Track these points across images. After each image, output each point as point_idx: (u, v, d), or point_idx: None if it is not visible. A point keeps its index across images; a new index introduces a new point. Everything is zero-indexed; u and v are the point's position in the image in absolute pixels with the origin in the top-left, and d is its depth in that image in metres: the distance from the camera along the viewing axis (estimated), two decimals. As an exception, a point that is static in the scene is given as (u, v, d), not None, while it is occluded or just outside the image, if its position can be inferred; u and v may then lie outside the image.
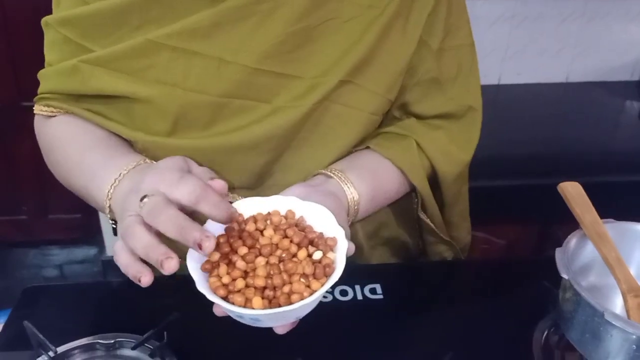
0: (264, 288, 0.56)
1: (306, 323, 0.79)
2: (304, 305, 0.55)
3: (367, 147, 0.82)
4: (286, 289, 0.56)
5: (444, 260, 0.96)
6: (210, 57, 0.73)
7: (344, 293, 0.84)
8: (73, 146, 0.79)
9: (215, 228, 0.61)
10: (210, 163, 0.78)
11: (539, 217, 1.60)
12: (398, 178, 0.82)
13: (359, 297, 0.84)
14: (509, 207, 1.52)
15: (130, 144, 0.80)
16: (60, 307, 0.83)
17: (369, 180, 0.77)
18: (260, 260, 0.58)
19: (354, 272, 0.90)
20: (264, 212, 0.63)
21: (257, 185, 0.82)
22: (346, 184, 0.74)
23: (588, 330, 0.65)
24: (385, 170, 0.81)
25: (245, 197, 0.81)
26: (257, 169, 0.80)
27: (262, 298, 0.56)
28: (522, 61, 1.89)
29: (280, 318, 0.57)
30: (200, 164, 0.72)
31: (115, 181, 0.69)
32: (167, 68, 0.73)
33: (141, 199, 0.57)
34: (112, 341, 0.73)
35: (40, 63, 0.82)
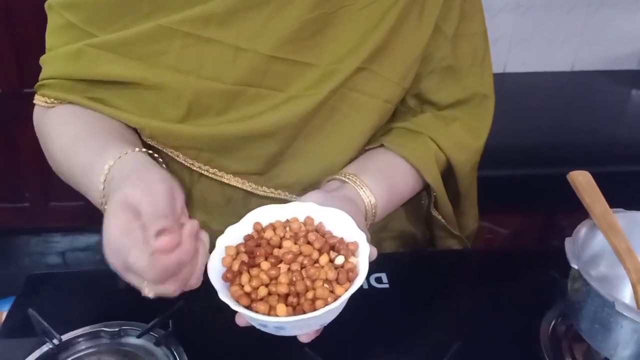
0: (287, 295, 0.56)
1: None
2: (328, 311, 0.54)
3: (381, 146, 0.81)
4: (310, 295, 0.55)
5: (451, 250, 0.95)
6: (226, 44, 0.71)
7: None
8: (67, 136, 0.76)
9: (234, 237, 0.60)
10: (221, 150, 0.77)
11: (543, 207, 1.59)
12: (412, 176, 0.82)
13: (365, 286, 0.83)
14: (513, 197, 1.51)
15: (133, 131, 0.79)
16: (64, 295, 0.82)
17: (384, 182, 0.76)
18: (282, 268, 0.57)
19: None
20: (283, 220, 0.62)
21: (267, 171, 0.81)
22: (362, 188, 0.73)
23: (597, 320, 0.64)
24: (400, 170, 0.80)
25: (254, 183, 0.80)
26: (268, 156, 0.79)
27: (286, 305, 0.55)
28: (527, 50, 1.87)
29: (304, 325, 0.56)
30: (213, 149, 0.72)
31: (107, 168, 0.65)
32: (180, 55, 0.72)
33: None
34: (117, 329, 0.73)
35: (42, 50, 0.79)
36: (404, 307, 0.81)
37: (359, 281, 0.56)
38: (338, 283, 0.56)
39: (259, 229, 0.61)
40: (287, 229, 0.61)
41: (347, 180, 0.74)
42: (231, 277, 0.57)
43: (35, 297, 0.80)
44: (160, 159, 0.74)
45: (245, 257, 0.58)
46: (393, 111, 0.83)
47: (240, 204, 0.83)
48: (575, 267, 0.65)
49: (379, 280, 0.84)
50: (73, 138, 0.75)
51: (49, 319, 0.71)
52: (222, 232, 0.73)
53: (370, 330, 0.76)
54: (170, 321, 0.71)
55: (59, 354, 0.71)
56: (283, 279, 0.56)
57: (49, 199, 2.50)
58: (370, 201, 0.73)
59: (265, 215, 0.63)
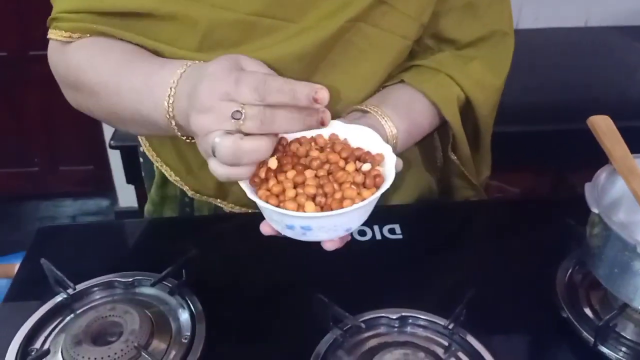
0: (315, 196, 0.56)
1: (325, 262, 0.79)
2: (356, 209, 0.54)
3: (400, 81, 0.80)
4: (338, 195, 0.56)
5: (465, 201, 0.94)
6: None
7: (362, 233, 0.83)
8: (111, 62, 0.71)
9: None
10: None
11: (554, 165, 1.57)
12: (431, 112, 0.80)
13: (378, 237, 0.83)
14: (524, 155, 1.50)
15: None
16: (76, 248, 0.82)
17: (404, 115, 0.75)
18: (310, 173, 0.58)
19: (373, 212, 0.90)
20: (308, 137, 0.62)
21: None
22: (384, 119, 0.72)
23: (617, 265, 0.63)
24: (419, 104, 0.79)
25: None
26: None
27: (315, 204, 0.56)
28: (540, 6, 1.83)
29: (331, 227, 0.57)
30: None
31: (173, 84, 0.62)
32: None
33: (234, 117, 0.54)
34: (131, 279, 0.73)
35: (46, 11, 0.77)
36: (418, 258, 0.81)
37: (386, 185, 0.57)
38: (365, 187, 0.57)
39: (284, 143, 0.61)
40: (313, 143, 0.61)
41: (369, 110, 0.73)
42: (259, 182, 0.58)
43: (47, 249, 0.80)
44: None
45: (273, 164, 0.58)
46: (410, 50, 0.81)
47: None
48: (596, 211, 0.63)
49: (392, 231, 0.83)
50: (118, 62, 0.71)
51: (62, 270, 0.70)
52: None
53: (384, 280, 0.76)
54: (183, 270, 0.71)
55: (74, 304, 0.71)
56: (311, 181, 0.57)
57: (58, 163, 2.50)
58: (392, 132, 0.72)
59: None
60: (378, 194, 0.56)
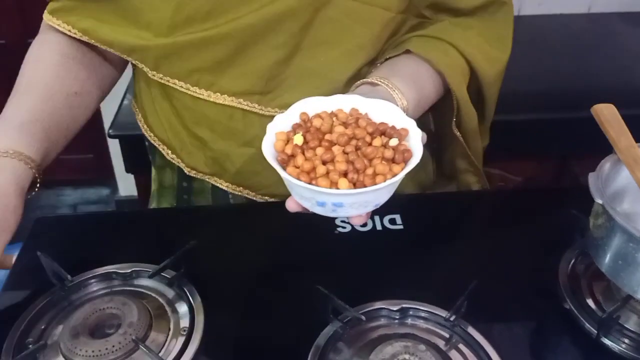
0: (347, 173, 0.56)
1: (325, 253, 0.79)
2: (390, 185, 0.55)
3: (406, 52, 0.79)
4: (369, 171, 0.56)
5: (466, 191, 0.93)
6: None
7: (363, 223, 0.82)
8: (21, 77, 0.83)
9: (283, 125, 0.61)
10: (215, 62, 0.77)
11: (557, 153, 1.56)
12: (437, 81, 0.80)
13: (379, 227, 0.82)
14: (526, 143, 1.49)
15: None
16: (73, 239, 0.81)
17: (413, 85, 0.74)
18: (338, 149, 0.57)
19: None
20: (328, 111, 0.62)
21: (269, 90, 0.79)
22: (394, 91, 0.71)
23: (621, 256, 0.62)
24: (426, 74, 0.78)
25: (257, 104, 0.80)
26: (266, 70, 0.77)
27: (350, 182, 0.55)
28: (543, -9, 1.81)
29: (362, 203, 0.57)
30: (207, 65, 0.74)
31: None
32: None
33: None
34: (129, 271, 0.72)
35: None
36: (418, 248, 0.80)
37: (416, 160, 0.57)
38: (394, 162, 0.57)
39: (305, 119, 0.61)
40: (335, 119, 0.61)
41: (379, 82, 0.71)
42: (286, 159, 0.57)
43: (44, 240, 0.79)
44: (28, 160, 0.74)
45: (299, 140, 0.58)
46: (401, 22, 0.81)
47: (241, 123, 0.82)
48: (600, 201, 0.62)
49: (392, 221, 0.82)
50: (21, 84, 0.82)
51: (59, 262, 0.70)
52: (224, 151, 0.79)
53: (384, 272, 0.75)
54: (181, 262, 0.70)
55: (71, 295, 0.70)
56: (340, 158, 0.56)
57: (58, 151, 2.49)
58: (402, 104, 0.71)
59: (311, 106, 0.63)
60: (408, 168, 0.56)
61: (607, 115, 0.69)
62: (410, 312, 0.68)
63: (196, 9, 0.73)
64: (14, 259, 0.76)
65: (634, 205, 0.70)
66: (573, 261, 0.74)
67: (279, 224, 0.83)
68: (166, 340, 0.65)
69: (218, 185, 0.88)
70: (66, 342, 0.62)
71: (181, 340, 0.65)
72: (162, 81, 0.80)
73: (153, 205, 0.99)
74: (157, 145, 0.89)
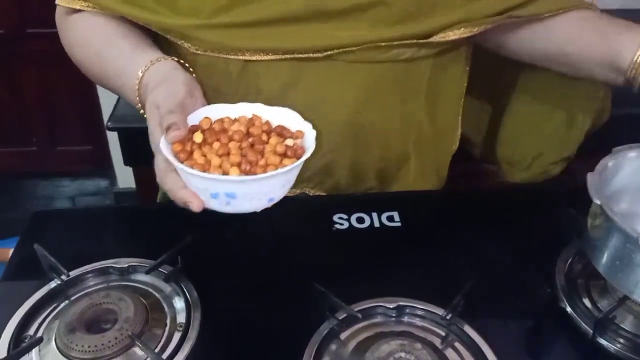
0: (240, 164, 0.58)
1: (322, 250, 0.78)
2: (279, 174, 0.57)
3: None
4: (262, 162, 0.58)
5: (464, 189, 0.93)
6: None
7: (360, 220, 0.82)
8: (96, 43, 0.81)
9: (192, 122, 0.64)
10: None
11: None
12: None
13: (376, 224, 0.82)
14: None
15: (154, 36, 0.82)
16: (71, 233, 0.81)
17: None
18: (234, 145, 0.60)
19: (371, 199, 0.89)
20: (232, 117, 0.65)
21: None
22: None
23: (618, 257, 0.62)
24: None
25: None
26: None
27: (240, 171, 0.58)
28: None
29: (255, 194, 0.59)
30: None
31: (141, 74, 0.72)
32: None
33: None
34: (126, 265, 0.72)
35: None
36: (416, 246, 0.80)
37: (306, 155, 0.60)
38: (287, 157, 0.60)
39: (207, 122, 0.63)
40: (236, 122, 0.64)
41: None
42: (185, 156, 0.60)
43: (41, 235, 0.79)
44: (187, 64, 0.76)
45: (198, 138, 0.61)
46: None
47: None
48: (598, 202, 0.62)
49: (390, 218, 0.82)
50: (102, 44, 0.80)
51: (56, 256, 0.69)
52: None
53: (381, 269, 0.75)
54: (178, 257, 0.70)
55: (68, 290, 0.70)
56: (235, 151, 0.59)
57: (56, 143, 2.49)
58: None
59: (215, 112, 0.65)
60: (299, 162, 0.59)
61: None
62: (407, 310, 0.68)
63: None
64: (10, 253, 0.76)
65: (633, 206, 0.70)
66: (570, 261, 0.74)
67: (277, 220, 0.82)
68: (163, 335, 0.64)
69: None
70: (62, 337, 0.62)
71: (178, 335, 0.64)
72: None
73: (159, 196, 0.99)
74: None
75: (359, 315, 0.66)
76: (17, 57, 2.24)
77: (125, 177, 2.37)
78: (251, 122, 0.64)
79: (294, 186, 0.87)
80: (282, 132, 0.63)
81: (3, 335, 0.63)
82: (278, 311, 0.69)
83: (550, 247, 0.76)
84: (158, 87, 0.68)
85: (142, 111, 0.72)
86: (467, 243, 0.80)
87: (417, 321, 0.67)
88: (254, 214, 0.76)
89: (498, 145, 1.06)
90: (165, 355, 0.62)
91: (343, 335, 0.65)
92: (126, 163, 1.53)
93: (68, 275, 0.70)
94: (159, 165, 0.63)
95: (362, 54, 0.79)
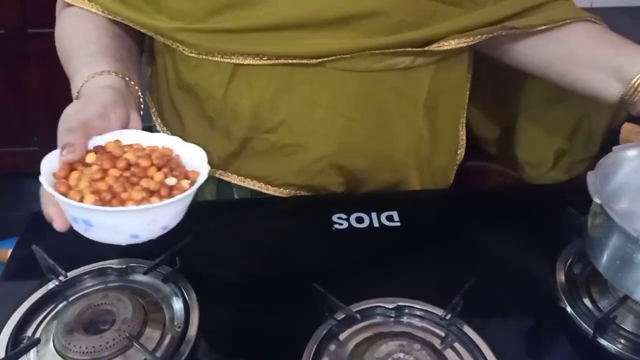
0: (100, 192, 0.55)
1: (320, 250, 0.78)
2: (132, 211, 0.53)
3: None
4: (124, 195, 0.55)
5: (463, 189, 0.93)
6: None
7: (359, 220, 0.82)
8: (70, 42, 0.81)
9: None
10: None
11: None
12: None
13: (375, 224, 0.81)
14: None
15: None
16: (68, 234, 0.80)
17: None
18: (114, 172, 0.57)
19: (371, 199, 0.89)
20: (144, 145, 0.62)
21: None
22: None
23: (619, 257, 0.62)
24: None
25: None
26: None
27: (100, 200, 0.54)
28: (545, -15, 1.79)
29: (111, 227, 0.55)
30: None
31: (80, 85, 0.72)
32: None
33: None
34: (124, 266, 0.72)
35: None
36: (415, 246, 0.79)
37: (177, 198, 0.55)
38: (157, 196, 0.56)
39: (110, 145, 0.61)
40: (140, 152, 0.61)
41: None
42: (63, 174, 0.57)
43: (40, 236, 0.78)
44: (127, 78, 0.74)
45: (91, 158, 0.58)
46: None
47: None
48: (598, 201, 0.62)
49: (389, 218, 0.82)
50: (74, 43, 0.80)
51: (54, 257, 0.69)
52: (248, 136, 0.83)
53: (380, 269, 0.75)
54: (177, 258, 0.70)
55: (66, 291, 0.70)
56: (109, 179, 0.56)
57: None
58: None
59: (129, 136, 0.63)
60: (159, 203, 0.55)
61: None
62: (406, 311, 0.67)
63: None
64: (9, 253, 0.76)
65: (633, 205, 0.69)
66: (570, 260, 0.74)
67: (275, 220, 0.82)
68: (161, 336, 0.64)
69: (227, 179, 0.88)
70: (60, 338, 0.61)
71: (176, 336, 0.64)
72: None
73: None
74: None
75: (358, 315, 0.65)
76: (18, 57, 2.24)
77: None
78: (147, 154, 0.60)
79: (289, 189, 0.87)
80: (173, 169, 0.59)
81: (1, 336, 0.63)
82: (277, 311, 0.69)
83: (550, 247, 0.76)
84: (78, 101, 0.68)
85: None
86: (467, 243, 0.80)
87: (417, 321, 0.67)
88: (254, 214, 0.76)
89: (516, 146, 1.05)
90: (163, 356, 0.62)
91: (342, 336, 0.65)
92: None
93: (66, 276, 0.70)
94: None
95: (357, 62, 0.78)
